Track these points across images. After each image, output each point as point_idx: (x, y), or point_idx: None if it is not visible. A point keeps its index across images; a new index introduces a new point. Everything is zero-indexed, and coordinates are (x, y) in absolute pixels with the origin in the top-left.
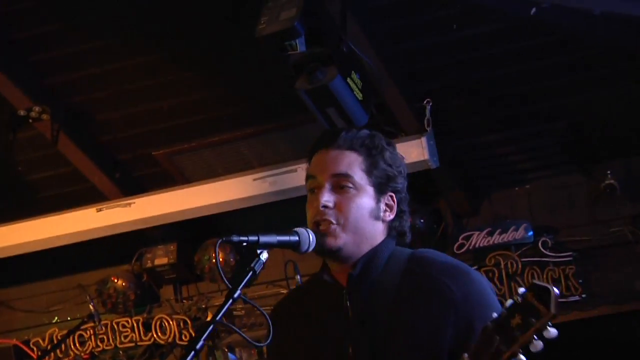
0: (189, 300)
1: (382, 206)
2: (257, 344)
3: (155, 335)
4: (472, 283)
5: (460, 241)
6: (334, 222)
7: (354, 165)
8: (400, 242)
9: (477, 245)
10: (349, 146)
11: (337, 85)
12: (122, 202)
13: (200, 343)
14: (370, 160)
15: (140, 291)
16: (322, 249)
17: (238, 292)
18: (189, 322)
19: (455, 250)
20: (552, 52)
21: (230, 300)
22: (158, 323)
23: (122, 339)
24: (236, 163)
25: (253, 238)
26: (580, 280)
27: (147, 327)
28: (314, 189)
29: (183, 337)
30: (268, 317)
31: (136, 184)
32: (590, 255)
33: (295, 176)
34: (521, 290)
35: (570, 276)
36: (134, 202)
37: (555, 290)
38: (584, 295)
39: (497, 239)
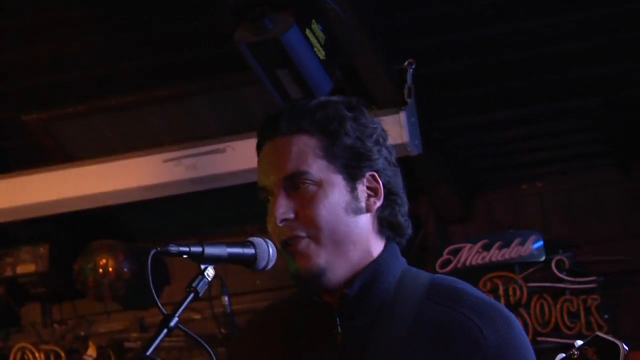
0: (62, 325)
1: (362, 193)
2: None
3: None
4: (509, 330)
5: (445, 256)
6: (303, 234)
7: (306, 154)
8: (398, 240)
9: (467, 263)
10: (295, 128)
11: (291, 38)
12: None
13: None
14: (327, 139)
15: None
16: (299, 277)
17: (175, 319)
18: (62, 354)
19: (437, 269)
20: (581, 5)
21: (165, 331)
22: (19, 355)
23: None
24: (140, 137)
25: (196, 249)
26: (606, 316)
27: None
28: (269, 202)
29: None
30: (212, 353)
31: None
32: (621, 282)
33: (223, 158)
34: (578, 342)
35: (592, 310)
36: None
37: (625, 347)
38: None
39: (495, 255)
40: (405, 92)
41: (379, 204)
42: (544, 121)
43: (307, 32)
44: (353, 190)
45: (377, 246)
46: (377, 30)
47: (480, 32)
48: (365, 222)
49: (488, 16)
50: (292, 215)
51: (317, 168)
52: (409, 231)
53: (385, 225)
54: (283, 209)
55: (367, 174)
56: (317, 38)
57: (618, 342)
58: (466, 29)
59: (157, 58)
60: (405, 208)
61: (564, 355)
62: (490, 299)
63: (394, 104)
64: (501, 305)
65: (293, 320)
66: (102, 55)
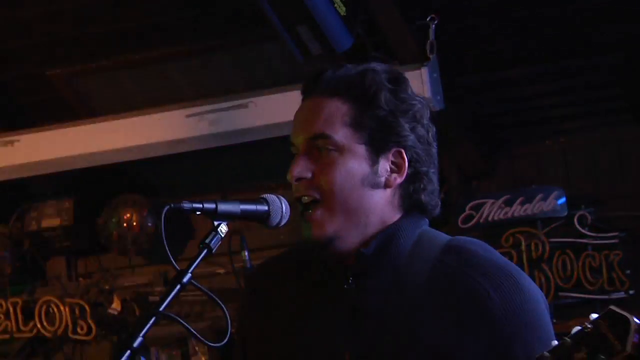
0: (87, 279)
1: (383, 169)
2: (213, 344)
3: (39, 325)
4: (520, 293)
5: (467, 212)
6: (316, 196)
7: (334, 119)
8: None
9: (490, 219)
10: (331, 91)
11: None
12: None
13: (139, 340)
14: (360, 107)
15: (20, 264)
16: (310, 244)
17: (189, 275)
18: (87, 308)
19: (460, 224)
20: None
21: (178, 287)
22: (44, 308)
23: None
24: (163, 92)
25: (210, 206)
26: (628, 272)
27: (28, 314)
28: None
29: (79, 330)
30: (226, 310)
31: (21, 115)
32: None
33: (246, 113)
34: (593, 316)
35: (614, 265)
36: (18, 140)
37: (637, 321)
38: (631, 292)
39: (517, 210)
40: (428, 47)
41: (399, 180)
42: (566, 77)
43: None
44: (374, 163)
45: (394, 218)
46: None
47: None
48: (381, 196)
49: None
50: (308, 175)
51: (342, 135)
52: (437, 210)
53: (407, 202)
54: (300, 168)
55: (393, 149)
56: None
57: (629, 316)
58: None
59: (180, 13)
60: (432, 187)
61: (579, 328)
62: (504, 260)
63: (416, 60)
64: (514, 267)
65: (306, 273)
66: (125, 10)
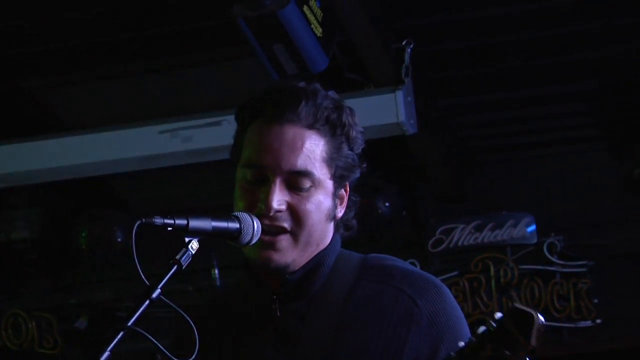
0: (55, 293)
1: (337, 202)
2: None
3: (5, 339)
4: (441, 299)
5: (437, 236)
6: (287, 227)
7: (315, 155)
8: (346, 235)
9: (459, 243)
10: (311, 123)
11: (289, 14)
12: None
13: (106, 354)
14: (334, 144)
15: None
16: (260, 265)
17: (158, 291)
18: (53, 322)
19: (430, 248)
20: None
21: (147, 302)
22: (10, 321)
23: None
24: (137, 107)
25: (181, 222)
26: (596, 300)
27: None
28: (256, 181)
29: (45, 344)
30: (194, 326)
31: None
32: (611, 267)
33: (219, 131)
34: (498, 315)
35: (582, 293)
36: None
37: (540, 317)
38: (598, 321)
39: (488, 236)
40: (403, 71)
41: (342, 212)
42: (540, 104)
43: (305, 8)
44: (335, 197)
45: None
46: (378, 8)
47: (479, 13)
48: (330, 228)
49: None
50: (284, 208)
51: (320, 170)
52: (355, 229)
53: (342, 227)
54: (279, 201)
55: (344, 184)
56: (314, 15)
57: (533, 312)
58: (465, 9)
59: (157, 28)
60: (355, 209)
61: (484, 328)
62: (420, 270)
63: (391, 82)
64: (431, 275)
65: (237, 309)
66: (101, 23)
